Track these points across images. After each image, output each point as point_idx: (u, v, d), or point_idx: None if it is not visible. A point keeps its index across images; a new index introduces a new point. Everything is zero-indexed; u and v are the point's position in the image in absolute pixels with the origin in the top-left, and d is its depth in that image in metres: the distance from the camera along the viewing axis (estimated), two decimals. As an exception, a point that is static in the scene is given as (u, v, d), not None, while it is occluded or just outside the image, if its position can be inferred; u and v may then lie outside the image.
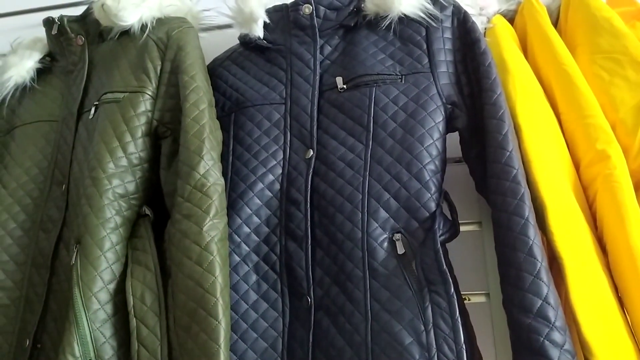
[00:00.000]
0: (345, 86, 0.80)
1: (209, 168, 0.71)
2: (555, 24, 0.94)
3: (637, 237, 0.64)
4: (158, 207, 0.79)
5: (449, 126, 0.75)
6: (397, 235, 0.67)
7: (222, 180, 0.72)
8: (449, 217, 0.71)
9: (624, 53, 0.80)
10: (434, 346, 0.58)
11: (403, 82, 0.77)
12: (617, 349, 0.57)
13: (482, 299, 0.82)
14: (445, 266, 0.61)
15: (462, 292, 0.81)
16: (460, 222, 0.81)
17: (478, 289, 0.83)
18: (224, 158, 0.81)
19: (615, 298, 0.63)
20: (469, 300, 0.81)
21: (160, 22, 0.88)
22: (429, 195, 0.69)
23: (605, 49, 0.82)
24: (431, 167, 0.71)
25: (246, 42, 0.90)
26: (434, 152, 0.72)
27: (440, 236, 0.66)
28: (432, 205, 0.68)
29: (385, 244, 0.67)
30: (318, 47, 0.85)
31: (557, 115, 0.82)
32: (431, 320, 0.60)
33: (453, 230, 0.69)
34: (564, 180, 0.71)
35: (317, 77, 0.83)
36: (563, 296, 0.62)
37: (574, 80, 0.80)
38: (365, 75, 0.79)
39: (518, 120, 0.74)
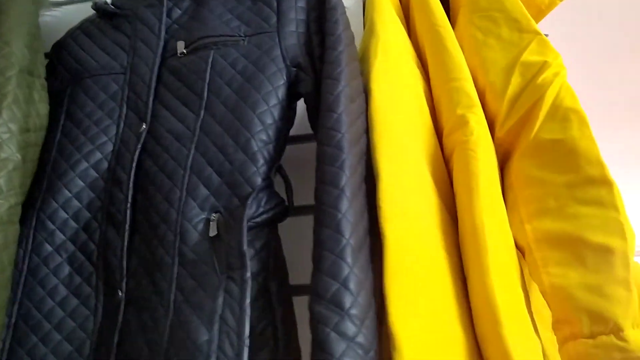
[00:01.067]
0: (185, 51, 0.70)
1: (1, 141, 0.60)
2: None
3: (483, 212, 0.54)
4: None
5: (293, 91, 0.66)
6: (215, 216, 0.57)
7: (18, 157, 0.62)
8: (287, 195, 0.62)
9: (500, 9, 0.71)
10: (216, 342, 0.48)
11: (246, 43, 0.68)
12: (435, 345, 0.47)
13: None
14: (244, 247, 0.51)
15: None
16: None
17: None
18: (52, 135, 0.71)
19: (453, 285, 0.53)
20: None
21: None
22: (255, 168, 0.59)
23: (482, 7, 0.73)
24: (262, 136, 0.61)
25: (96, 8, 0.81)
26: (268, 120, 0.62)
27: (261, 214, 0.56)
28: (258, 180, 0.58)
29: (201, 226, 0.57)
30: (165, 10, 0.75)
31: (428, 82, 0.73)
32: (220, 312, 0.49)
33: (280, 209, 0.59)
34: (414, 151, 0.61)
35: (161, 43, 0.73)
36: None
37: (445, 42, 0.70)
38: (205, 37, 0.69)
39: (371, 85, 0.65)
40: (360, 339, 0.44)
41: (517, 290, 0.53)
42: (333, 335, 0.43)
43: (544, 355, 0.60)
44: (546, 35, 0.90)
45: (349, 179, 0.52)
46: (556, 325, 0.52)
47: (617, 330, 0.47)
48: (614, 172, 0.55)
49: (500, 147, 0.65)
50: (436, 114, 0.69)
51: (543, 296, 0.54)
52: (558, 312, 0.51)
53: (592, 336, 0.48)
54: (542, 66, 0.64)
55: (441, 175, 0.63)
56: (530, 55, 0.65)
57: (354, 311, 0.45)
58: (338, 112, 0.56)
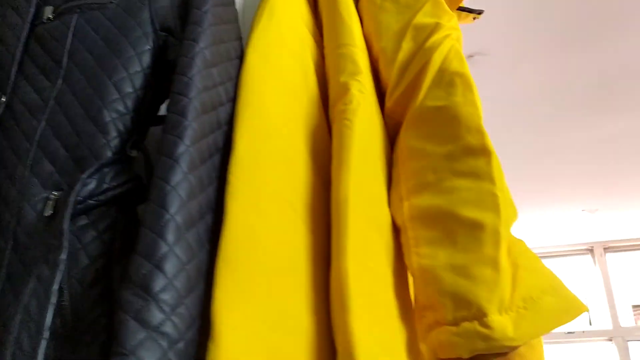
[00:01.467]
0: (52, 16, 0.64)
1: None
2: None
3: (350, 187, 0.48)
4: None
5: (164, 59, 0.59)
6: (57, 194, 0.51)
7: None
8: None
9: (399, -29, 0.65)
10: (14, 335, 0.41)
11: (114, 6, 0.61)
12: (270, 337, 0.40)
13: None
14: (65, 225, 0.45)
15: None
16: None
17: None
18: None
19: (314, 269, 0.46)
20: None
21: None
22: (105, 141, 0.52)
23: (383, -31, 0.67)
24: (118, 106, 0.54)
25: (-28, -25, 0.74)
26: (127, 89, 0.55)
27: (105, 191, 0.50)
28: (107, 154, 0.52)
29: (40, 206, 0.51)
30: (38, -26, 0.68)
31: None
32: (25, 301, 0.43)
33: (131, 187, 0.52)
34: (289, 123, 0.55)
35: (32, 10, 0.66)
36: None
37: (338, 6, 0.64)
38: (71, 0, 0.63)
39: (247, 50, 0.59)
40: (166, 328, 0.38)
41: (384, 275, 0.47)
42: (131, 323, 0.37)
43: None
44: (482, 10, 0.84)
45: (187, 148, 0.45)
46: (420, 313, 0.46)
47: (480, 316, 0.41)
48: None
49: (390, 119, 0.59)
50: (326, 83, 0.63)
51: (413, 280, 0.48)
52: (422, 297, 0.46)
53: (456, 323, 0.42)
54: (434, 28, 0.58)
55: (323, 150, 0.57)
56: (423, 17, 0.59)
57: (164, 296, 0.39)
58: (189, 76, 0.50)
